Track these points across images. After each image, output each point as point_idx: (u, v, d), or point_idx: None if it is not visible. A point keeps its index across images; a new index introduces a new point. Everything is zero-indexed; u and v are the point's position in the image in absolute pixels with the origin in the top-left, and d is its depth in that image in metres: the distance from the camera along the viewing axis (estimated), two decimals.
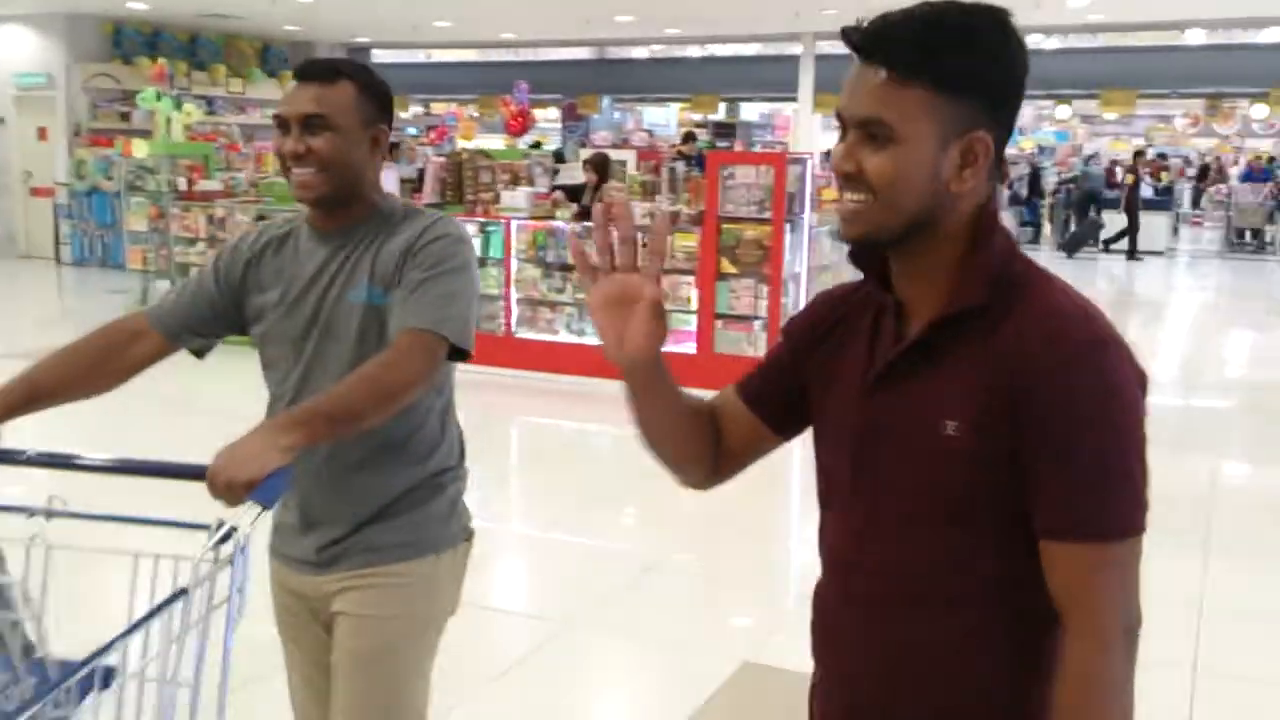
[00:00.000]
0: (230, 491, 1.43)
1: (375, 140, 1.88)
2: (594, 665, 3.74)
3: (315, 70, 1.85)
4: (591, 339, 7.44)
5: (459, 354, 1.83)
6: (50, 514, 1.35)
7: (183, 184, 9.54)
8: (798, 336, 1.40)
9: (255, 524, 1.36)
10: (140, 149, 10.97)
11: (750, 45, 18.37)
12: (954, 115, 1.17)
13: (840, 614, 1.32)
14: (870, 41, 1.18)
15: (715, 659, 3.64)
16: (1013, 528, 1.19)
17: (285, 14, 14.68)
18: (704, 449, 1.41)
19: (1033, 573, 1.19)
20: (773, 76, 17.48)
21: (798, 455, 1.52)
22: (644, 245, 1.22)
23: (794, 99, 16.60)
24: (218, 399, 5.25)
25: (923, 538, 1.23)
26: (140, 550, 1.38)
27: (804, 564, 4.81)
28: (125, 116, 14.36)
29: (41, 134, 14.45)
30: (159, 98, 12.35)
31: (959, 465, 1.19)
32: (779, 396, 1.40)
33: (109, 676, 1.20)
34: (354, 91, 1.84)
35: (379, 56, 19.13)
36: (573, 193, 8.57)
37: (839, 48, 1.26)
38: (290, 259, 1.91)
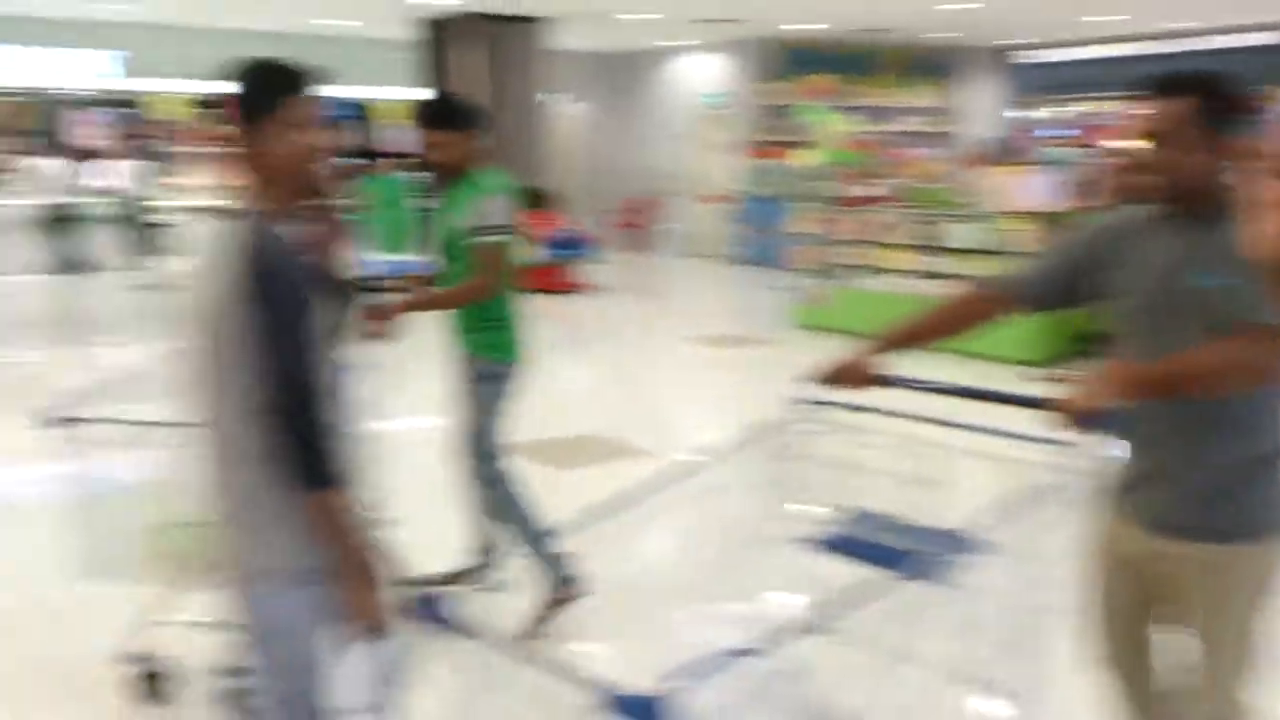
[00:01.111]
0: (1073, 415, 1.73)
1: (1217, 146, 2.02)
2: None
3: (1155, 86, 2.05)
4: None
5: None
6: (926, 421, 1.65)
7: (841, 190, 10.26)
8: None
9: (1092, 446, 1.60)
10: (803, 158, 12.04)
11: None
12: None
13: None
14: None
15: None
16: None
17: (942, 21, 15.03)
18: None
19: None
20: None
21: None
22: None
23: None
24: None
25: None
26: (988, 454, 1.63)
27: None
28: (788, 129, 15.85)
29: (718, 146, 16.54)
30: (819, 111, 13.44)
31: None
32: None
33: (973, 546, 1.47)
34: (1192, 105, 2.01)
35: (1025, 57, 18.72)
36: None
37: None
38: (1140, 242, 2.13)
